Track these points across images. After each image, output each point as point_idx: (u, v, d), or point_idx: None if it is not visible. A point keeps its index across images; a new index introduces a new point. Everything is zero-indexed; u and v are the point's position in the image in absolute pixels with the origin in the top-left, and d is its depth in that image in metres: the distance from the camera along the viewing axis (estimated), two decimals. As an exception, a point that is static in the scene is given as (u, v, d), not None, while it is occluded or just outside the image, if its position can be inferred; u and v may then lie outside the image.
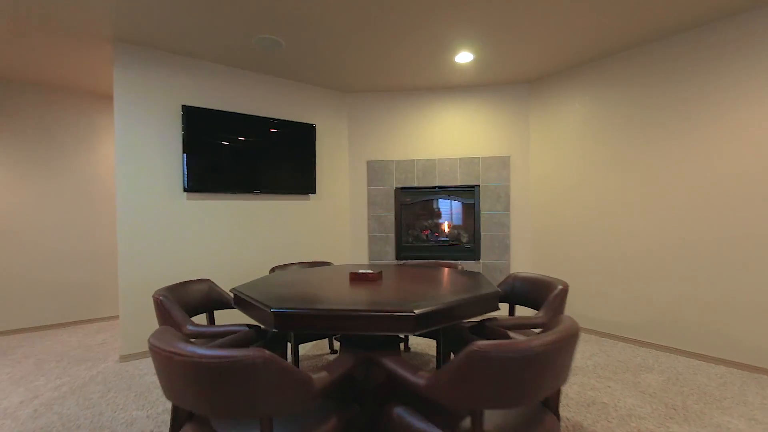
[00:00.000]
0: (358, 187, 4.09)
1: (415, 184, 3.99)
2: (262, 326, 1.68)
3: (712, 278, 2.66)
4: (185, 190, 3.03)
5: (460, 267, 2.68)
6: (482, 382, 1.01)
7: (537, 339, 1.04)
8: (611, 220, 3.20)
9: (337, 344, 3.08)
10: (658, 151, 2.92)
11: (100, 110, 3.97)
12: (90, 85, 3.69)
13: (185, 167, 3.02)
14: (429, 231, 4.15)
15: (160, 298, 1.71)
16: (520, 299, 2.20)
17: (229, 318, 3.28)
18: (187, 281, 2.06)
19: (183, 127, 3.01)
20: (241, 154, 3.28)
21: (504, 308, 3.55)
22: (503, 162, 3.84)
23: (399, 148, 4.01)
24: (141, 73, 2.90)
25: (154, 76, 2.95)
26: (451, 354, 2.20)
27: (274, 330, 1.34)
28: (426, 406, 1.25)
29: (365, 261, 4.08)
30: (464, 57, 3.14)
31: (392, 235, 4.02)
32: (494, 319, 1.75)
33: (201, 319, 3.08)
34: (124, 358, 2.82)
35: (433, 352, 2.93)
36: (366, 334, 1.30)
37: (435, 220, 4.18)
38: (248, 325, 1.65)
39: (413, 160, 3.99)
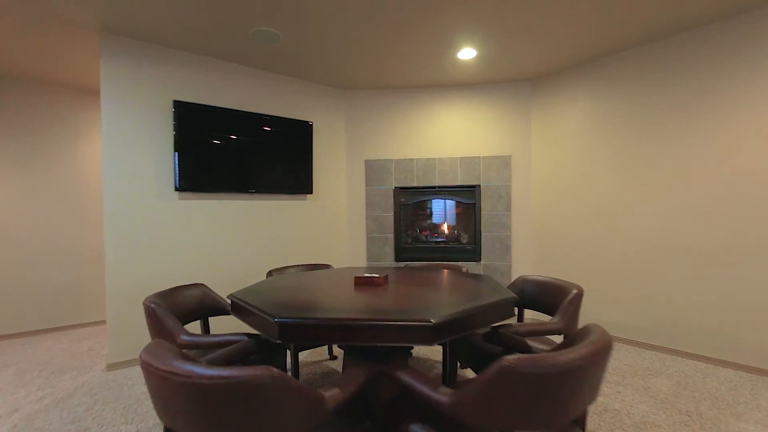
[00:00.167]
0: (356, 187, 3.98)
1: (415, 184, 3.90)
2: (262, 335, 1.57)
3: (717, 279, 2.61)
4: (177, 189, 2.89)
5: (464, 269, 2.60)
6: (514, 401, 0.92)
7: (572, 352, 0.95)
8: (614, 220, 3.15)
9: (336, 350, 2.97)
10: (661, 150, 2.87)
11: (86, 105, 3.79)
12: (75, 79, 3.51)
13: (177, 165, 2.88)
14: (428, 232, 4.07)
15: (152, 305, 1.58)
16: (530, 303, 2.12)
17: (224, 325, 3.14)
18: (180, 286, 1.93)
19: (174, 123, 2.87)
20: (236, 152, 3.15)
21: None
22: (504, 161, 3.77)
23: (398, 146, 3.92)
24: (129, 66, 2.75)
25: (144, 69, 2.81)
26: (458, 363, 2.11)
27: (278, 342, 1.23)
28: (444, 423, 1.15)
29: (363, 263, 3.98)
30: (467, 53, 3.06)
31: (391, 236, 3.92)
32: (508, 325, 1.66)
33: (195, 326, 2.94)
34: (112, 367, 2.67)
35: (437, 357, 2.84)
36: (378, 345, 1.20)
37: (435, 221, 4.10)
38: (247, 335, 1.54)
39: (413, 160, 3.89)
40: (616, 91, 3.13)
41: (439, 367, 2.64)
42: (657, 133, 2.90)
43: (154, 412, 2.06)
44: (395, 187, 3.91)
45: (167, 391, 0.89)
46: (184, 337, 1.51)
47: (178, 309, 1.82)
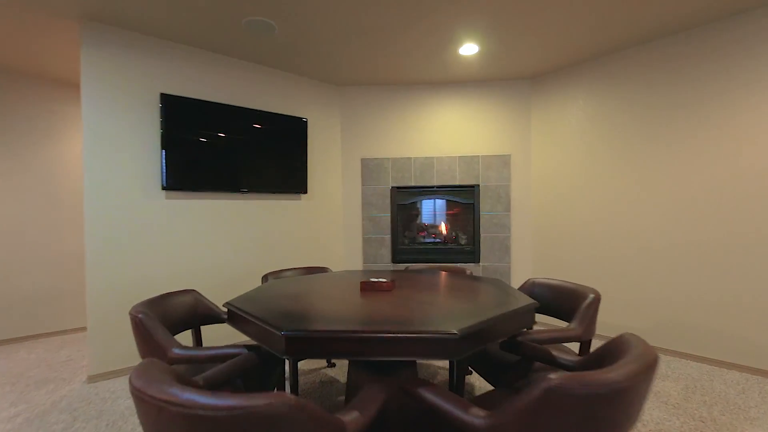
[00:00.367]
0: (352, 187, 3.85)
1: (412, 184, 3.79)
2: (262, 347, 1.44)
3: (720, 280, 2.59)
4: (164, 188, 2.71)
5: (468, 272, 2.51)
6: (560, 425, 0.82)
7: (620, 369, 0.86)
8: (615, 220, 3.10)
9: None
10: (662, 150, 2.84)
11: (65, 99, 3.56)
12: (53, 70, 3.29)
13: (164, 162, 2.70)
14: (426, 232, 3.97)
15: (139, 316, 1.43)
16: (540, 308, 2.03)
17: (217, 333, 2.98)
18: (170, 293, 1.78)
19: (161, 117, 2.69)
20: (227, 149, 2.99)
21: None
22: (504, 161, 3.70)
23: (395, 145, 3.81)
24: (113, 56, 2.57)
25: (128, 60, 2.63)
26: (465, 371, 2.01)
27: (285, 357, 1.10)
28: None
29: (359, 265, 3.86)
30: (469, 49, 2.97)
31: (388, 237, 3.81)
32: (524, 332, 1.57)
33: (186, 336, 2.77)
34: (93, 379, 2.49)
35: (439, 362, 2.74)
36: (397, 360, 1.09)
37: (432, 222, 4.00)
38: (247, 346, 1.41)
39: (410, 158, 3.79)
40: (617, 90, 3.09)
41: (443, 372, 2.54)
42: (658, 132, 2.87)
43: (140, 429, 1.90)
44: (392, 187, 3.80)
45: (163, 424, 0.76)
46: (177, 351, 1.36)
47: (168, 318, 1.67)
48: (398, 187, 3.81)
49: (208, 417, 0.72)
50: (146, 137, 2.69)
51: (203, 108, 2.87)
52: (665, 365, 2.65)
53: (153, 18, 2.46)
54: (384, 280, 1.75)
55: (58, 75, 3.38)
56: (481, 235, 3.73)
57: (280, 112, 3.36)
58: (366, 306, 1.42)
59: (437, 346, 1.08)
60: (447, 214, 3.98)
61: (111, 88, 2.56)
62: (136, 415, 2.01)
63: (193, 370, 1.64)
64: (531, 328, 1.64)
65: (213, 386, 1.12)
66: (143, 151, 2.68)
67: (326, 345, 1.11)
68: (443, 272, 2.37)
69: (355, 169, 3.84)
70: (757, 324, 2.45)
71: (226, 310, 2.29)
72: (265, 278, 2.36)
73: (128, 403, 2.18)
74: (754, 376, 2.44)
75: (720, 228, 2.59)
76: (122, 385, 2.43)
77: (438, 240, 3.92)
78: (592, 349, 1.99)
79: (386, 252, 3.80)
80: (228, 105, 3.00)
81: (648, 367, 0.88)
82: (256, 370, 1.59)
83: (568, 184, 3.41)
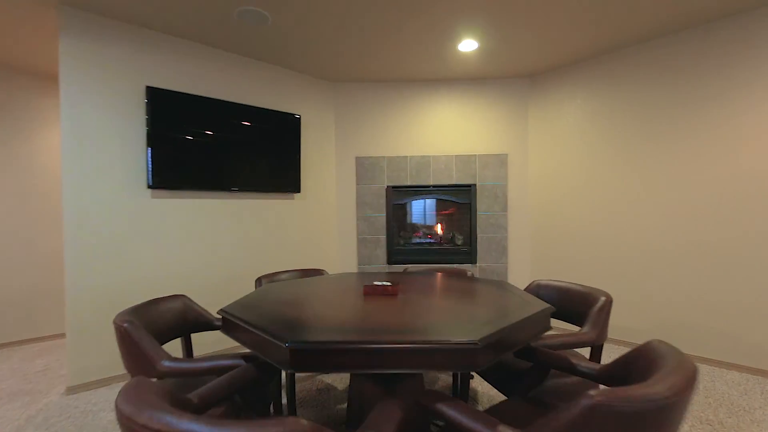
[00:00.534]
0: (346, 186, 3.75)
1: (408, 183, 3.71)
2: (260, 356, 1.33)
3: (720, 280, 2.58)
4: (150, 186, 2.57)
5: (469, 273, 2.44)
6: (602, 446, 0.74)
7: (663, 382, 0.79)
8: (615, 220, 3.09)
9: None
10: (662, 149, 2.83)
11: (42, 92, 3.36)
12: (29, 62, 3.09)
13: (150, 159, 2.56)
14: (421, 233, 3.90)
15: (124, 325, 1.31)
16: (547, 310, 1.97)
17: (207, 339, 2.84)
18: (157, 299, 1.66)
19: (147, 111, 2.55)
20: (216, 146, 2.86)
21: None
22: (501, 160, 3.65)
23: (391, 143, 3.72)
24: (94, 46, 2.41)
25: (111, 50, 2.47)
26: (466, 378, 1.94)
27: (289, 371, 1.00)
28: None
29: (354, 266, 3.76)
30: (468, 45, 2.90)
31: (383, 237, 3.72)
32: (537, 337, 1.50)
33: (175, 345, 2.63)
34: (72, 390, 2.33)
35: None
36: (413, 372, 1.00)
37: (428, 222, 3.93)
38: (244, 357, 1.30)
39: (406, 157, 3.71)
40: (616, 89, 3.07)
41: (444, 377, 2.46)
42: (658, 132, 2.85)
43: (125, 446, 1.77)
44: (387, 186, 3.71)
45: (157, 457, 0.65)
46: (167, 364, 1.25)
47: (155, 326, 1.55)
48: (394, 187, 3.72)
49: (211, 450, 0.62)
50: (131, 132, 2.54)
51: (192, 102, 2.73)
52: (665, 366, 2.62)
53: (138, 5, 2.32)
54: (388, 283, 1.66)
55: (35, 66, 3.18)
56: (478, 235, 3.67)
57: (272, 108, 3.23)
58: (373, 312, 1.33)
59: (457, 356, 1.00)
60: (443, 214, 3.91)
61: (92, 79, 2.41)
62: (119, 430, 1.88)
63: (185, 381, 1.52)
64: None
65: (209, 405, 1.01)
66: (127, 146, 2.53)
67: (336, 357, 1.02)
68: (445, 274, 2.30)
69: (350, 167, 3.74)
70: (757, 324, 2.45)
71: (217, 314, 2.16)
72: (258, 282, 2.24)
73: (111, 417, 2.04)
74: (754, 377, 2.43)
75: (720, 228, 2.58)
76: (104, 396, 2.28)
77: (434, 241, 3.85)
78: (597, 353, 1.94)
79: (381, 253, 3.71)
80: (218, 100, 2.86)
81: (690, 379, 0.82)
82: (253, 381, 1.48)
83: (567, 183, 3.39)
